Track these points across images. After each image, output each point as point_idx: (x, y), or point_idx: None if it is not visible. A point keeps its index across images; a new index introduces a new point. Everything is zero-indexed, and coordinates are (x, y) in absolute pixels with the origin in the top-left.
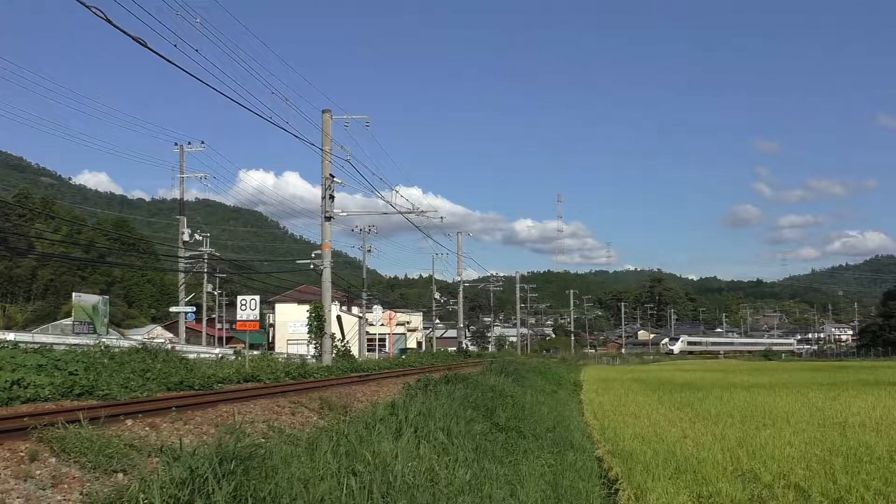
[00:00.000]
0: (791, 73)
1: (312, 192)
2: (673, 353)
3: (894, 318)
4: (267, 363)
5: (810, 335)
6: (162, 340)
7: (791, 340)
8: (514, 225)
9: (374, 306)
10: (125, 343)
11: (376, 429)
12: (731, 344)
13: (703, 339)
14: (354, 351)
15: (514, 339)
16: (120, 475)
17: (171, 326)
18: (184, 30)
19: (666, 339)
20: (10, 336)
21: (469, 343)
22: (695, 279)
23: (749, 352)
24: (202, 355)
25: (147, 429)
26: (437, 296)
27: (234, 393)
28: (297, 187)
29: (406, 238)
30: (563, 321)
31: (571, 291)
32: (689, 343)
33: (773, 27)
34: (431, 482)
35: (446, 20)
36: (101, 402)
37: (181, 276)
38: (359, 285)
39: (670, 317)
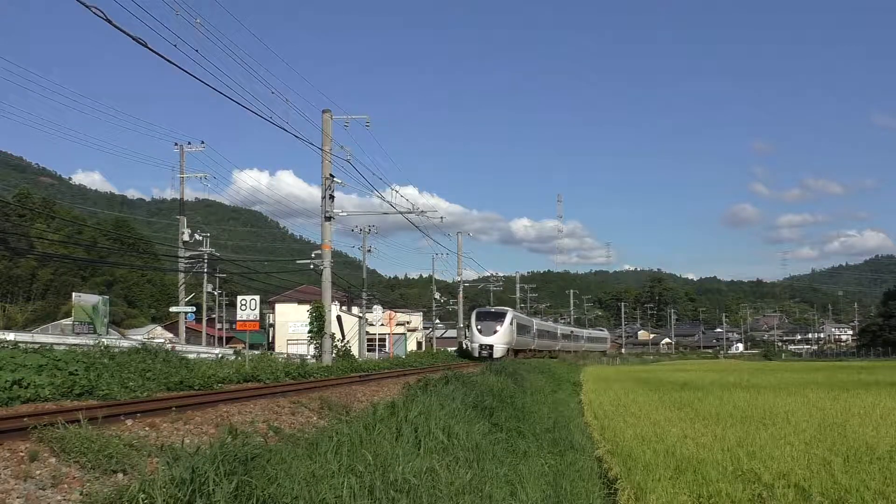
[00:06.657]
0: (787, 73)
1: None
2: (495, 360)
3: (894, 318)
4: (267, 363)
5: (810, 335)
6: (162, 340)
7: (605, 334)
8: (511, 224)
9: (374, 306)
10: (125, 343)
11: (377, 429)
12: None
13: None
14: (354, 351)
15: None
16: (120, 475)
17: (171, 326)
18: (184, 30)
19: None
20: (10, 336)
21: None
22: (694, 279)
23: (573, 351)
24: (202, 355)
25: (147, 429)
26: (437, 296)
27: (234, 393)
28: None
29: (405, 238)
30: (562, 321)
31: (571, 291)
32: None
33: (770, 27)
34: (432, 482)
35: (446, 20)
36: (101, 402)
37: (181, 276)
38: (359, 285)
39: (670, 317)
